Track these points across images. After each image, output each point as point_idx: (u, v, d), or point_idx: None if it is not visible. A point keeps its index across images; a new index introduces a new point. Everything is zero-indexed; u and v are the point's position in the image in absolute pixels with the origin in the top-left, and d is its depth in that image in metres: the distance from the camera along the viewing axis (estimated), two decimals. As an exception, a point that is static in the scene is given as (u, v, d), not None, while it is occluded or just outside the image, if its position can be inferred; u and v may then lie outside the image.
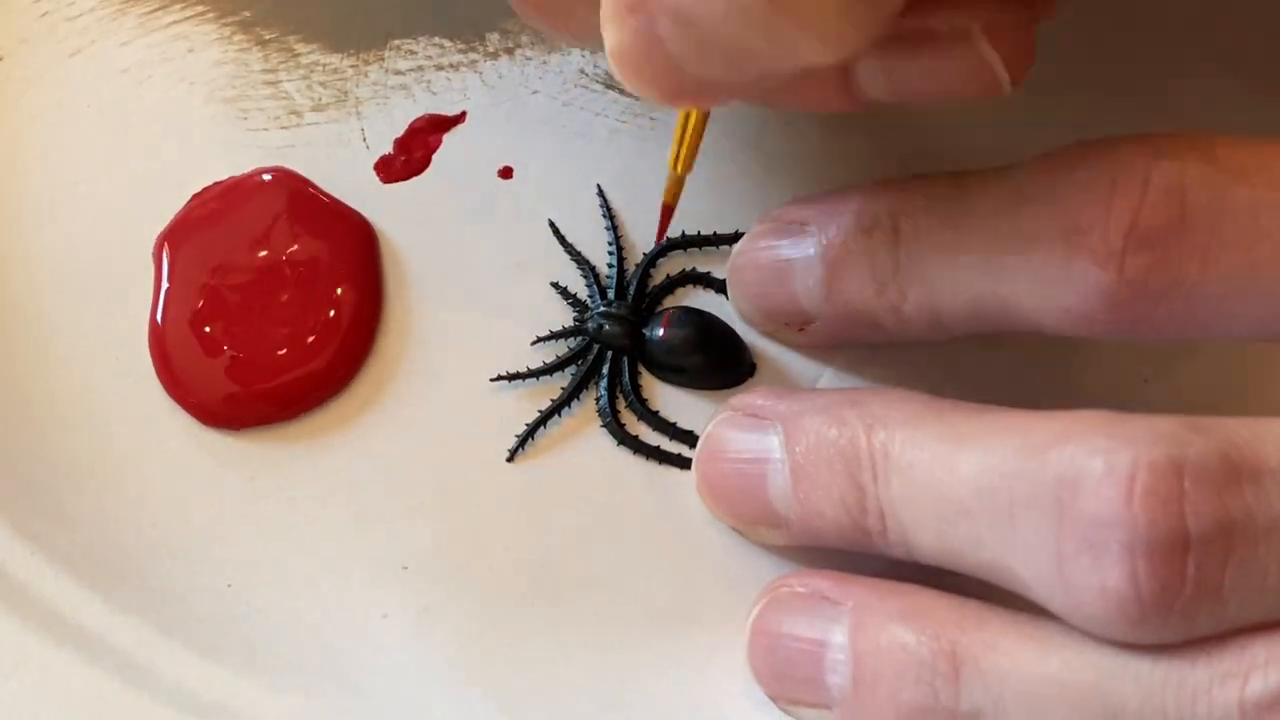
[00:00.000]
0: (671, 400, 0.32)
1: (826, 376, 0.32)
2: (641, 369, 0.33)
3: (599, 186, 0.34)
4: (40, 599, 0.30)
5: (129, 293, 0.33)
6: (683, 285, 0.34)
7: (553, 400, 0.32)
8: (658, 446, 0.32)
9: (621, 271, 0.33)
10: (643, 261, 0.34)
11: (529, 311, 0.33)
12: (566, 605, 0.30)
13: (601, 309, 0.33)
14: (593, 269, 0.33)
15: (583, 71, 0.36)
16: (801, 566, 0.30)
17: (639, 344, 0.33)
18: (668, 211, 0.32)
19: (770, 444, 0.29)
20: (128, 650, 0.29)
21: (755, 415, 0.29)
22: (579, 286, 0.33)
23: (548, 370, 0.32)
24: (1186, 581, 0.23)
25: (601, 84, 0.35)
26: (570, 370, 0.32)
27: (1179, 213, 0.25)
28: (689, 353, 0.32)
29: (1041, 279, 0.27)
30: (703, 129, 0.30)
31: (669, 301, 0.33)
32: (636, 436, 0.32)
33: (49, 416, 0.32)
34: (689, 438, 0.32)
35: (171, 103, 0.36)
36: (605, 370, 0.32)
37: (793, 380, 0.32)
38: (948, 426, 0.26)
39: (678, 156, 0.30)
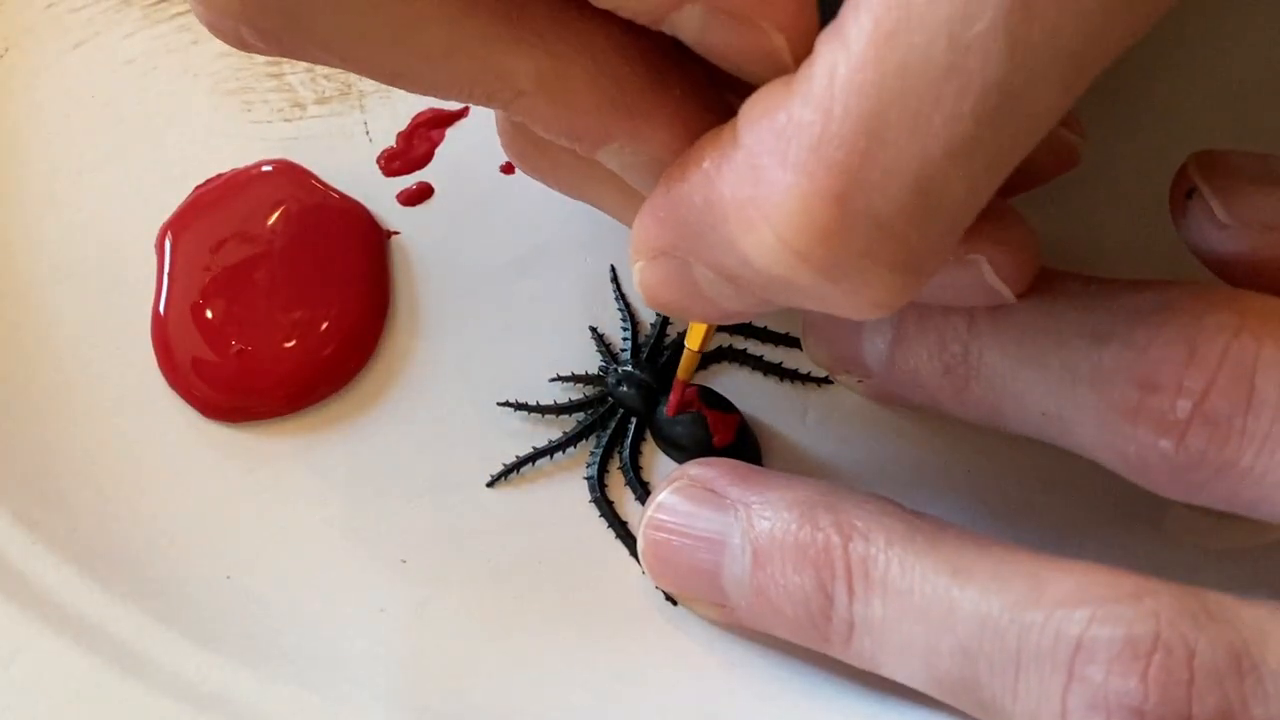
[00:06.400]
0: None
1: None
2: (647, 434, 0.32)
3: (613, 268, 0.34)
4: (40, 588, 0.30)
5: (131, 283, 0.33)
6: (718, 362, 0.33)
7: (550, 440, 0.32)
8: (625, 523, 0.31)
9: (636, 333, 0.33)
10: (658, 322, 0.33)
11: (530, 306, 0.33)
12: (564, 599, 0.30)
13: (626, 368, 0.32)
14: (636, 325, 0.33)
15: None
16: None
17: (652, 410, 0.32)
18: (680, 386, 0.31)
19: (730, 527, 0.28)
20: (126, 639, 0.29)
21: (715, 492, 0.29)
22: (615, 335, 0.33)
23: (555, 410, 0.32)
24: None
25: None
26: (578, 416, 0.32)
27: (1246, 396, 0.25)
28: (695, 442, 0.31)
29: (1107, 422, 0.26)
30: None
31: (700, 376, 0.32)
32: (611, 502, 0.31)
33: (50, 406, 0.32)
34: None
35: (175, 94, 0.36)
36: (611, 425, 0.32)
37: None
38: (944, 559, 0.26)
39: (696, 335, 0.30)
